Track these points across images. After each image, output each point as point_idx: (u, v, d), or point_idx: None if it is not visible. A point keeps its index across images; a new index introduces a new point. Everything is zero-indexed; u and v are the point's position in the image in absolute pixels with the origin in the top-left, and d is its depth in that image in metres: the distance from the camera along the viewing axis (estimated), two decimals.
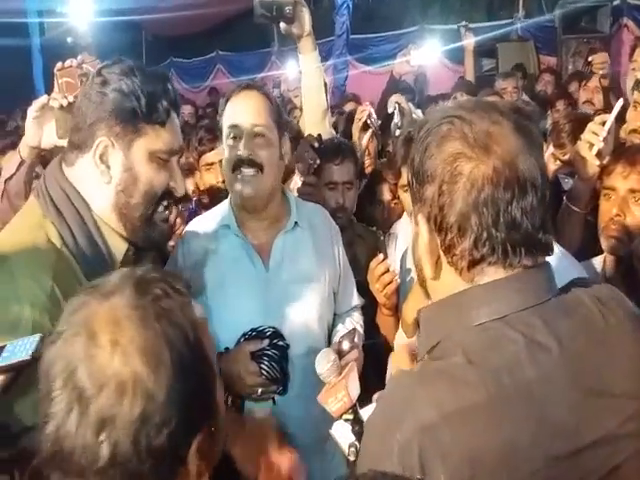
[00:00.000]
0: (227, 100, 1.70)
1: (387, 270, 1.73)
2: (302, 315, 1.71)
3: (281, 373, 1.63)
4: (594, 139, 1.64)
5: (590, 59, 3.83)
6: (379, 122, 2.79)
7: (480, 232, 0.81)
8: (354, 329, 1.57)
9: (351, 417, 1.29)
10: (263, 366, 1.61)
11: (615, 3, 5.83)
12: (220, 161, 2.22)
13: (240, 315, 1.67)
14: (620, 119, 2.30)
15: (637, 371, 0.86)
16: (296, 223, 1.76)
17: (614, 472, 0.82)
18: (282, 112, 1.78)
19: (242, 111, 1.66)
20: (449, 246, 0.84)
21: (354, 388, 1.32)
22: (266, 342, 1.61)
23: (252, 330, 1.65)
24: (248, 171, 1.64)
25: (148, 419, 0.71)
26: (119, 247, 1.24)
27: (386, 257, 1.68)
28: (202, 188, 2.49)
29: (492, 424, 0.77)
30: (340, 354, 1.49)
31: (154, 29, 10.75)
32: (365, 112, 2.66)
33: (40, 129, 1.70)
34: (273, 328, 1.64)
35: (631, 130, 2.22)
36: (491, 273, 0.84)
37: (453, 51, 5.83)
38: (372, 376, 1.63)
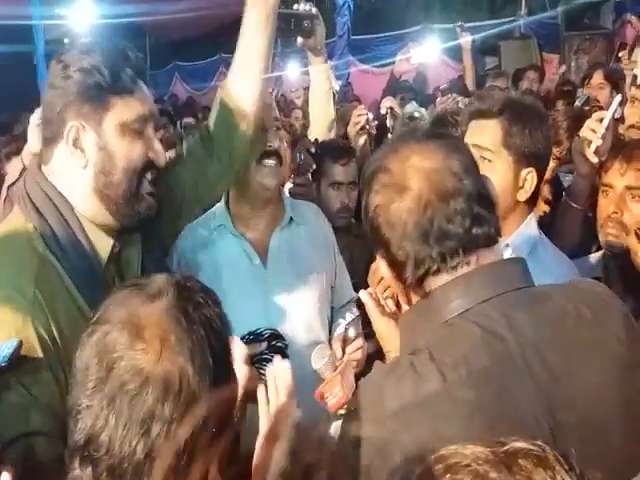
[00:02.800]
0: None
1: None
2: (302, 310, 1.72)
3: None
4: (592, 136, 1.63)
5: (620, 55, 3.73)
6: (375, 122, 2.79)
7: (417, 254, 0.90)
8: (358, 315, 1.57)
9: (346, 412, 1.30)
10: (262, 371, 1.62)
11: None
12: None
13: (240, 314, 1.63)
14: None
15: (605, 365, 0.89)
16: (291, 219, 1.78)
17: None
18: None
19: (265, 106, 1.65)
20: (399, 275, 0.93)
21: (350, 383, 1.33)
22: (264, 345, 1.61)
23: (250, 334, 1.66)
24: (272, 162, 1.66)
25: (180, 422, 0.71)
26: (104, 245, 1.21)
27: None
28: None
29: (447, 412, 0.83)
30: (346, 341, 1.50)
31: (157, 33, 10.82)
32: (363, 117, 2.66)
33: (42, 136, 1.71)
34: (271, 330, 1.64)
35: (629, 126, 2.21)
36: (436, 281, 0.91)
37: (455, 49, 5.82)
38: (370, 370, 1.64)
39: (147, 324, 0.74)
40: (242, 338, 1.68)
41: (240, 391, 0.91)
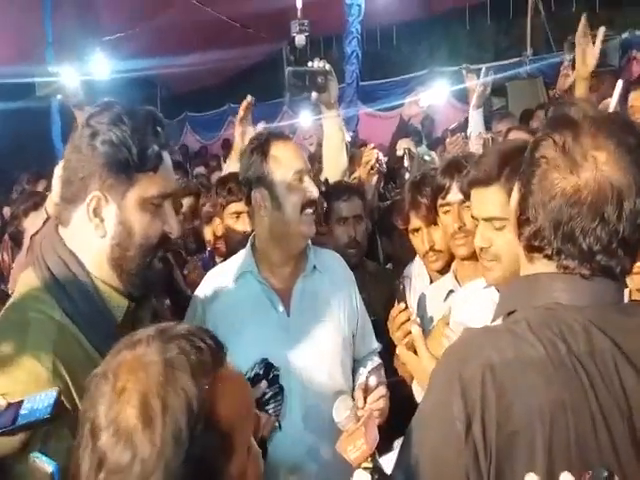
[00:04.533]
0: (267, 146, 1.72)
1: (408, 319, 1.68)
2: (325, 359, 1.70)
3: (283, 400, 1.64)
4: None
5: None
6: (385, 161, 2.82)
7: (539, 229, 0.94)
8: (380, 364, 1.53)
9: (370, 465, 1.23)
10: (271, 410, 1.60)
11: (624, 36, 5.88)
12: (248, 212, 2.28)
13: (259, 357, 1.64)
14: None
15: None
16: (314, 267, 1.78)
17: None
18: None
19: (301, 156, 1.74)
20: (519, 224, 0.98)
21: (373, 435, 1.26)
22: (264, 385, 1.59)
23: (248, 380, 1.63)
24: (311, 211, 1.70)
25: (131, 470, 0.73)
26: (120, 306, 1.21)
27: (407, 305, 1.65)
28: (220, 234, 2.50)
29: (544, 379, 0.88)
30: (367, 390, 1.45)
31: (168, 85, 11.14)
32: (373, 156, 2.69)
33: None
34: (261, 362, 1.62)
35: None
36: (543, 265, 0.96)
37: (461, 91, 5.89)
38: (393, 421, 1.57)
39: (120, 372, 0.77)
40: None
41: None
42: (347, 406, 1.29)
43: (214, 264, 2.46)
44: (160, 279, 1.28)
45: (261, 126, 2.61)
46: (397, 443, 1.55)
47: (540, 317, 0.93)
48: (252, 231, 2.30)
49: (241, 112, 2.56)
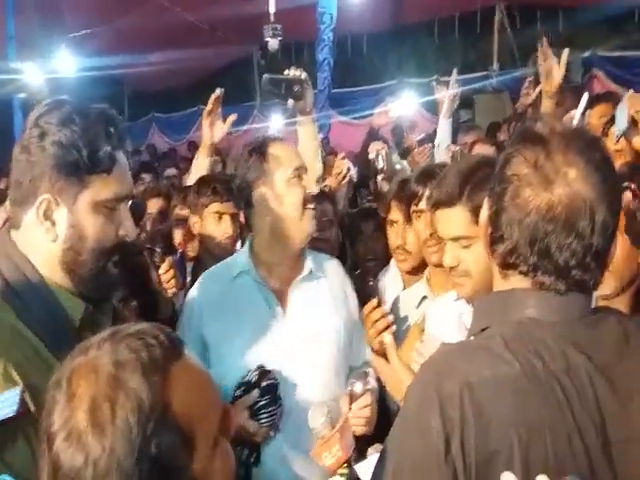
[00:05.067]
0: (265, 147, 1.74)
1: (382, 316, 1.69)
2: (319, 364, 1.70)
3: (279, 410, 1.62)
4: None
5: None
6: (355, 169, 2.88)
7: (515, 246, 0.94)
8: (365, 372, 1.53)
9: (346, 472, 1.23)
10: (263, 420, 1.58)
11: (586, 55, 6.08)
12: (232, 214, 2.36)
13: (254, 361, 1.66)
14: None
15: None
16: (311, 271, 1.78)
17: None
18: None
19: (298, 156, 1.78)
20: (492, 241, 0.98)
21: (348, 442, 1.26)
22: (256, 393, 1.58)
23: (240, 384, 1.61)
24: (312, 207, 1.72)
25: (85, 473, 0.73)
26: (76, 308, 1.17)
27: (380, 302, 1.67)
28: (196, 233, 2.47)
29: (521, 397, 0.88)
30: (352, 397, 1.45)
31: (135, 84, 10.95)
32: (345, 166, 2.75)
33: None
34: (257, 369, 1.61)
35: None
36: (518, 281, 0.96)
37: (430, 103, 5.99)
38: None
39: (72, 377, 0.78)
40: (233, 392, 1.63)
41: None
42: (322, 412, 1.29)
43: (184, 266, 2.43)
44: (113, 286, 1.24)
45: (232, 118, 2.59)
46: (371, 450, 1.55)
47: (515, 333, 0.94)
48: (233, 234, 2.30)
49: (210, 105, 2.53)
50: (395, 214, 2.12)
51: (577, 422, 0.88)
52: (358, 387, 1.46)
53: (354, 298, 1.87)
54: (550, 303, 0.95)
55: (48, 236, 1.13)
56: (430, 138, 4.30)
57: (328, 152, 5.35)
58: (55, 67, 6.51)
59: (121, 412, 0.74)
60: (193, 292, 1.81)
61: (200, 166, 2.61)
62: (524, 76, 6.45)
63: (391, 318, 1.65)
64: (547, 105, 2.25)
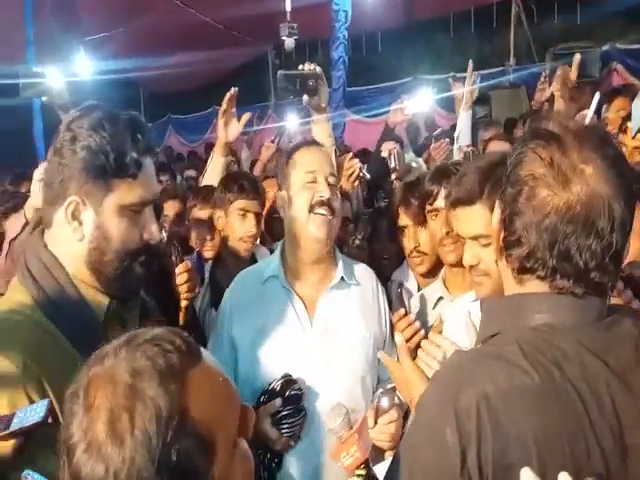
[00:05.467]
0: (294, 151, 1.77)
1: (409, 324, 1.68)
2: (344, 376, 1.67)
3: (301, 421, 1.61)
4: None
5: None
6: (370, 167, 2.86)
7: (533, 250, 0.91)
8: (393, 387, 1.51)
9: (364, 472, 1.23)
10: (284, 430, 1.58)
11: (604, 48, 5.99)
12: (256, 213, 2.35)
13: (280, 367, 1.65)
14: None
15: None
16: (342, 279, 1.75)
17: None
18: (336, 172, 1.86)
19: (319, 159, 1.74)
20: (507, 246, 0.95)
21: (366, 443, 1.26)
22: (279, 402, 1.57)
23: (264, 392, 1.61)
24: (324, 211, 1.67)
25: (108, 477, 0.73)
26: (100, 304, 1.21)
27: (407, 311, 1.66)
28: (220, 228, 2.47)
29: (539, 408, 0.86)
30: (378, 412, 1.43)
31: (151, 86, 11.04)
32: (356, 166, 2.73)
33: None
34: (282, 377, 1.61)
35: None
36: (535, 285, 0.94)
37: (446, 100, 5.94)
38: None
39: (88, 387, 0.77)
40: (258, 398, 1.63)
41: None
42: (340, 413, 1.29)
43: (202, 266, 2.44)
44: (139, 285, 1.28)
45: (247, 117, 2.56)
46: (389, 453, 1.55)
47: (532, 340, 0.91)
48: (256, 233, 2.30)
49: (224, 104, 2.51)
50: (404, 220, 2.11)
51: (595, 431, 0.86)
52: (385, 402, 1.43)
53: (386, 309, 1.83)
54: (566, 307, 0.93)
55: (75, 235, 1.18)
56: (447, 134, 4.27)
57: (343, 151, 5.35)
58: (73, 70, 6.58)
59: (139, 422, 0.74)
60: (227, 293, 1.83)
61: (215, 165, 2.59)
62: (541, 71, 6.40)
63: (418, 325, 1.63)
64: (560, 104, 2.21)
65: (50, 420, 0.95)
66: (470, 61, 3.83)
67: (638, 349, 0.94)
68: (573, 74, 2.20)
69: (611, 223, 0.88)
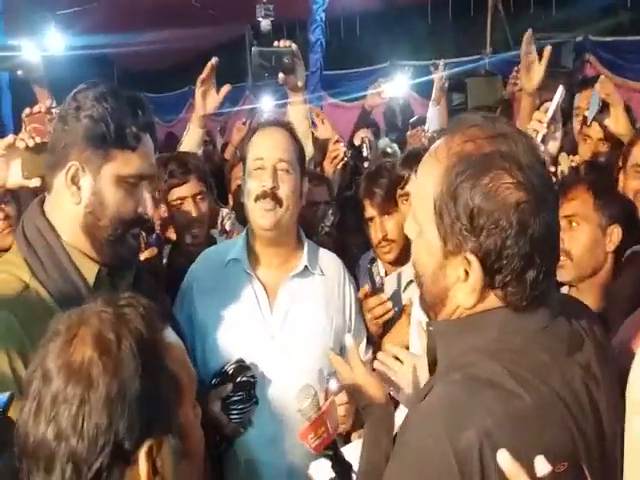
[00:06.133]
0: (254, 132, 1.74)
1: (380, 303, 1.71)
2: (302, 364, 1.67)
3: (251, 408, 1.63)
4: (538, 126, 1.67)
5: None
6: (349, 153, 2.84)
7: (504, 265, 0.90)
8: None
9: (331, 453, 1.25)
10: (233, 416, 1.59)
11: (578, 39, 6.06)
12: (193, 195, 2.21)
13: (236, 352, 1.66)
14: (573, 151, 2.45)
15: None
16: (306, 267, 1.73)
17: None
18: (304, 152, 1.82)
19: (269, 145, 1.70)
20: (484, 265, 0.91)
21: (334, 423, 1.28)
22: (230, 387, 1.59)
23: (215, 375, 1.62)
24: (268, 204, 1.65)
25: (87, 404, 0.77)
26: (90, 270, 1.28)
27: (377, 290, 1.68)
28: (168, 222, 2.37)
29: (534, 430, 0.85)
30: (327, 394, 1.45)
31: (126, 64, 10.79)
32: (340, 150, 2.72)
33: (6, 168, 1.67)
34: (236, 362, 1.61)
35: (582, 161, 2.31)
36: (492, 301, 0.93)
37: (422, 86, 5.96)
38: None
39: (68, 327, 0.83)
40: (210, 381, 1.64)
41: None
42: (309, 394, 1.31)
43: (162, 248, 2.38)
44: (132, 255, 1.34)
45: (227, 88, 2.43)
46: (355, 436, 1.58)
47: (511, 357, 0.90)
48: (199, 216, 2.19)
49: (204, 74, 2.40)
50: (369, 211, 2.13)
51: (584, 437, 0.89)
52: (333, 385, 1.44)
53: (354, 300, 1.82)
54: (526, 317, 0.93)
55: (73, 199, 1.25)
56: (422, 121, 4.30)
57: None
58: (44, 45, 6.39)
59: (125, 340, 0.80)
60: (189, 271, 1.80)
61: (191, 137, 2.49)
62: (516, 59, 6.46)
63: (389, 305, 1.66)
64: (526, 103, 2.16)
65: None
66: (442, 61, 3.85)
67: (590, 339, 0.98)
68: (542, 66, 2.21)
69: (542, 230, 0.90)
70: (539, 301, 0.93)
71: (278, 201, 1.66)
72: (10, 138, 1.63)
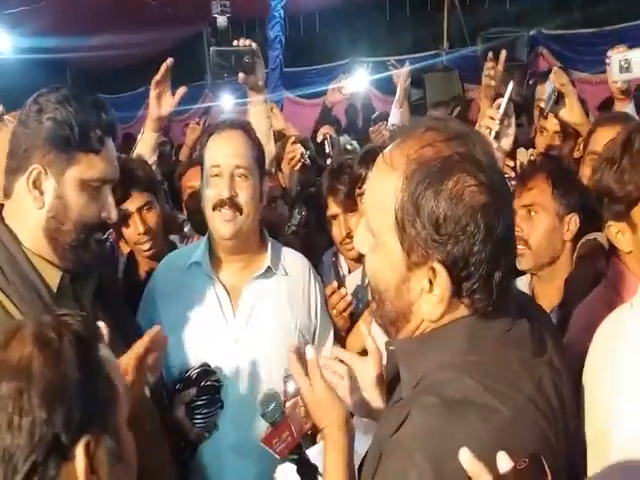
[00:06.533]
0: (209, 136, 1.68)
1: (342, 298, 1.72)
2: (265, 365, 1.65)
3: (216, 412, 1.60)
4: (490, 123, 1.69)
5: (531, 82, 3.92)
6: (308, 154, 2.81)
7: (471, 273, 0.87)
8: None
9: (296, 457, 1.24)
10: (197, 421, 1.57)
11: (532, 33, 6.20)
12: (138, 209, 2.05)
13: (200, 356, 1.63)
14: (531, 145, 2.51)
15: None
16: (269, 268, 1.71)
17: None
18: (263, 151, 1.76)
19: (226, 151, 1.64)
20: (453, 272, 0.87)
21: (298, 425, 1.27)
22: (193, 391, 1.57)
23: (180, 380, 1.60)
24: (227, 212, 1.61)
25: (24, 399, 0.76)
26: (53, 277, 1.25)
27: (340, 284, 1.68)
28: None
29: (512, 440, 0.82)
30: (285, 396, 1.43)
31: (79, 64, 10.53)
32: (297, 151, 2.69)
33: None
34: (200, 367, 1.60)
35: (539, 153, 2.36)
36: (460, 310, 0.90)
37: (382, 82, 5.99)
38: None
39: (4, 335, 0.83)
40: (174, 386, 1.61)
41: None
42: (272, 398, 1.29)
43: (116, 257, 2.29)
44: (94, 262, 1.31)
45: (182, 90, 2.27)
46: (320, 437, 1.56)
47: (482, 369, 0.87)
48: (145, 231, 2.02)
49: (158, 75, 2.26)
50: (333, 208, 2.12)
51: (554, 429, 0.88)
52: (291, 387, 1.40)
53: (319, 299, 1.80)
54: (495, 325, 0.91)
55: (35, 204, 1.23)
56: (385, 116, 4.31)
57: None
58: None
59: (67, 338, 0.82)
60: (152, 277, 1.78)
61: (146, 141, 2.36)
62: (472, 54, 6.56)
63: (349, 298, 1.67)
64: (485, 108, 2.21)
65: None
66: (407, 62, 3.88)
67: (546, 332, 0.98)
68: (500, 65, 2.26)
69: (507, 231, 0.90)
70: (501, 303, 0.90)
71: (237, 209, 1.63)
72: None
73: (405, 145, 0.89)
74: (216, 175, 1.64)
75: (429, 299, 0.88)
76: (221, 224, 1.63)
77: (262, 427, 1.41)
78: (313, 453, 1.25)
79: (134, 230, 2.04)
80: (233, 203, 1.63)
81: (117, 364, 0.92)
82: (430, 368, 0.90)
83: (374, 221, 0.93)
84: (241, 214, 1.64)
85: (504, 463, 0.75)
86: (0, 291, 1.19)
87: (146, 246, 2.07)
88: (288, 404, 1.32)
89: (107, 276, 1.48)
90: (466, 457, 0.76)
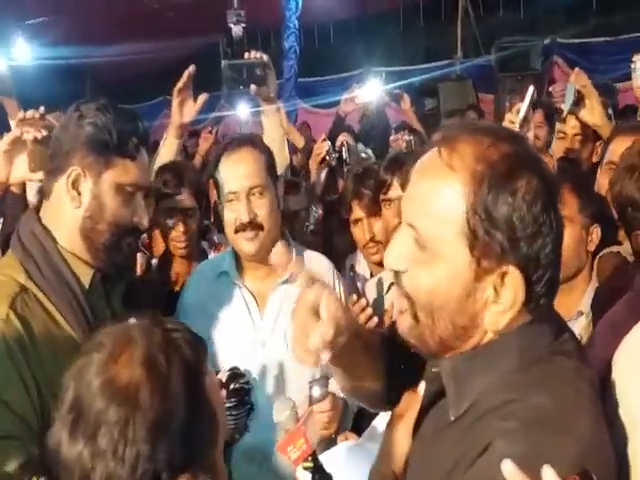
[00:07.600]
0: (220, 156, 1.72)
1: (362, 309, 1.72)
2: (295, 370, 1.67)
3: (246, 414, 1.63)
4: (511, 127, 1.69)
5: (550, 89, 3.90)
6: (334, 155, 2.83)
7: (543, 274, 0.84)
8: (325, 376, 1.52)
9: (311, 465, 1.24)
10: (228, 423, 1.57)
11: (546, 42, 6.19)
12: (184, 209, 2.14)
13: (230, 359, 1.68)
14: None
15: None
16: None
17: None
18: (273, 155, 1.80)
19: (237, 174, 1.69)
20: (528, 286, 0.83)
21: (313, 435, 1.27)
22: (223, 394, 1.58)
23: None
24: (249, 233, 1.67)
25: (130, 428, 0.74)
26: (85, 274, 1.32)
27: (360, 295, 1.68)
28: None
29: (599, 453, 0.80)
30: (310, 401, 1.44)
31: (98, 75, 10.68)
32: (324, 147, 2.74)
33: (10, 164, 1.66)
34: (229, 370, 1.62)
35: (558, 158, 2.34)
36: (522, 315, 0.85)
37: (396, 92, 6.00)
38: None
39: (112, 344, 0.80)
40: None
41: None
42: (287, 406, 1.30)
43: (150, 262, 2.37)
44: (127, 263, 1.38)
45: (204, 97, 2.30)
46: (341, 438, 1.57)
47: (547, 387, 0.82)
48: (185, 232, 2.13)
49: (181, 83, 2.29)
50: (357, 212, 2.14)
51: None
52: (316, 391, 1.41)
53: (343, 297, 1.79)
54: (552, 327, 0.89)
55: (73, 203, 1.29)
56: (405, 126, 4.33)
57: (311, 139, 5.31)
58: (11, 56, 6.30)
59: (174, 366, 0.78)
60: (184, 289, 1.85)
61: (168, 148, 2.37)
62: (487, 63, 6.56)
63: (370, 311, 1.67)
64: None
65: None
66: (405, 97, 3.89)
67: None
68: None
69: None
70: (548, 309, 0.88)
71: (259, 227, 1.68)
72: (16, 132, 1.61)
73: (462, 147, 0.83)
74: (232, 200, 1.69)
75: (494, 308, 0.83)
76: (244, 244, 1.69)
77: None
78: (330, 457, 1.25)
79: (176, 229, 2.14)
80: (254, 225, 1.68)
81: (215, 382, 0.91)
82: (485, 388, 0.85)
83: (429, 232, 0.84)
84: (263, 231, 1.69)
85: (550, 476, 0.71)
86: (35, 286, 1.25)
87: (182, 244, 2.16)
88: (303, 412, 1.32)
89: (139, 282, 1.58)
90: (508, 468, 0.71)
